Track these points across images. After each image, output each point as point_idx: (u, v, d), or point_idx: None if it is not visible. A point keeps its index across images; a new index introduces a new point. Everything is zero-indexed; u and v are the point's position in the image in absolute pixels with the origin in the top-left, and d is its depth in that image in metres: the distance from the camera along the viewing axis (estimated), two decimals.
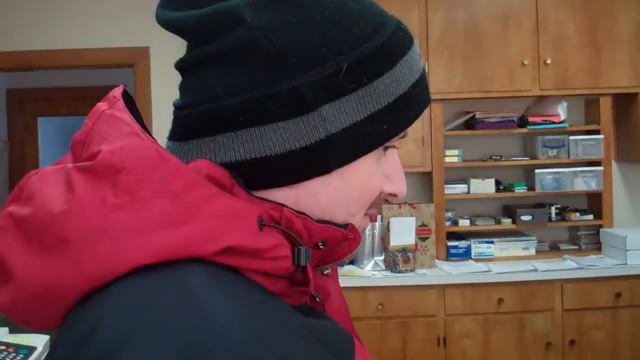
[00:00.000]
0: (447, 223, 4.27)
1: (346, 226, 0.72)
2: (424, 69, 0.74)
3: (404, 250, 3.94)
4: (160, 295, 0.57)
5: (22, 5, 4.46)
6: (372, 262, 4.06)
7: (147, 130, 0.70)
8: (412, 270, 3.95)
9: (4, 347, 2.23)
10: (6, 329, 2.47)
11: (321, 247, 0.71)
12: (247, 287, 0.62)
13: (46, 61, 4.50)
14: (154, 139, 0.67)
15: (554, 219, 4.31)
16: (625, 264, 3.96)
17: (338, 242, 0.72)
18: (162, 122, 3.79)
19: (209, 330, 0.54)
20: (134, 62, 4.49)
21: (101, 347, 0.55)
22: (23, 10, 4.46)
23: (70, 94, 7.01)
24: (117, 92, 0.72)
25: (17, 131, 7.09)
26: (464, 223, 4.30)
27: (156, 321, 0.55)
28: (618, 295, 3.90)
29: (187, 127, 0.70)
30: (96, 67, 4.78)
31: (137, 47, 4.47)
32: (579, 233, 4.38)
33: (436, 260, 4.13)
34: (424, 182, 4.39)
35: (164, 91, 4.35)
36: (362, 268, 3.99)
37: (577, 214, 4.33)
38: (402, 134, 0.72)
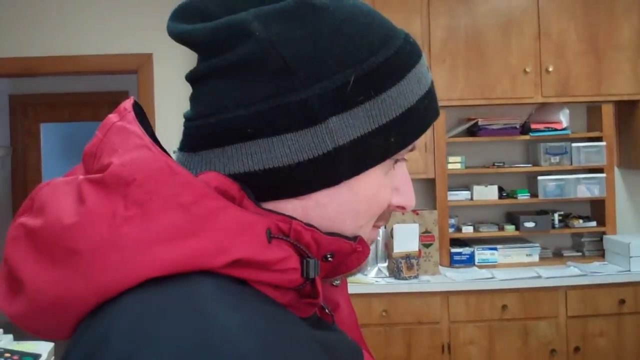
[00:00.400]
0: (451, 230, 4.26)
1: (355, 238, 0.72)
2: (432, 82, 0.75)
3: (407, 256, 3.94)
4: (169, 308, 0.58)
5: (25, 11, 4.47)
6: (376, 268, 4.06)
7: (157, 141, 0.70)
8: (415, 277, 3.95)
9: (8, 355, 2.23)
10: (10, 336, 2.47)
11: (330, 259, 0.71)
12: (256, 299, 0.63)
13: (49, 67, 4.52)
14: (165, 150, 0.68)
15: (557, 226, 4.31)
16: (629, 270, 3.96)
17: (347, 254, 0.72)
18: (165, 127, 3.80)
19: (219, 344, 0.54)
20: (137, 68, 4.50)
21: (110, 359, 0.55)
22: (26, 17, 4.47)
23: (73, 100, 7.03)
24: (128, 104, 0.73)
25: (19, 137, 7.11)
26: (468, 230, 4.30)
27: (165, 334, 0.55)
28: (622, 301, 3.89)
29: (197, 138, 0.71)
30: (99, 73, 4.80)
31: (141, 54, 4.48)
32: (582, 240, 4.37)
33: (440, 266, 4.13)
34: (427, 189, 4.39)
35: (167, 97, 4.36)
36: (366, 275, 3.99)
37: (580, 221, 4.32)
38: (410, 147, 0.73)
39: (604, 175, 4.26)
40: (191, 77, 0.73)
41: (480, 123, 4.24)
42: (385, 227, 4.03)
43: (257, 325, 0.58)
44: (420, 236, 4.03)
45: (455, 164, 4.26)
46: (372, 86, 0.68)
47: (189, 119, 0.72)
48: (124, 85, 6.59)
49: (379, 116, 0.69)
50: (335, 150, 0.67)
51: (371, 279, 3.96)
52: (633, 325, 3.90)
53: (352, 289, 3.72)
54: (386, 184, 0.73)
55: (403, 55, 0.71)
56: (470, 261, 4.22)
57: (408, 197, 0.76)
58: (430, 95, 0.73)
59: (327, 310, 0.78)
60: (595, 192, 4.26)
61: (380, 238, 4.09)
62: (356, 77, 0.67)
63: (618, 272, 3.97)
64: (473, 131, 4.33)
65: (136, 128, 0.68)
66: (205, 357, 0.53)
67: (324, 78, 0.67)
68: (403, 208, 0.77)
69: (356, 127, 0.68)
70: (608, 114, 4.31)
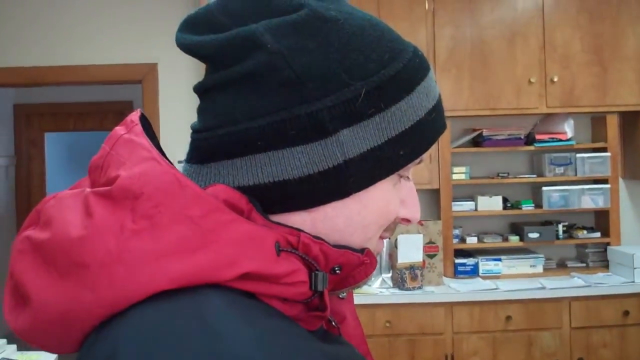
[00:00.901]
0: (455, 240, 4.26)
1: (362, 251, 0.72)
2: (439, 95, 0.75)
3: (411, 267, 3.93)
4: (178, 322, 0.57)
5: (30, 21, 4.48)
6: (380, 279, 4.05)
7: (164, 154, 0.70)
8: (419, 288, 3.94)
9: None
10: (14, 347, 2.47)
11: (338, 271, 0.71)
12: (264, 313, 0.62)
13: (55, 77, 4.52)
14: (172, 163, 0.67)
15: (561, 237, 4.30)
16: (633, 281, 3.94)
17: (354, 266, 0.72)
18: (170, 138, 3.80)
19: (228, 358, 0.54)
20: (142, 78, 4.51)
21: None
22: (31, 27, 4.48)
23: (77, 109, 7.04)
24: (135, 116, 0.72)
25: (24, 146, 7.11)
26: (472, 240, 4.29)
27: (174, 349, 0.55)
28: (626, 313, 3.88)
29: (206, 150, 0.70)
30: (104, 83, 4.80)
31: (146, 64, 4.49)
32: (586, 250, 4.36)
33: (444, 277, 4.12)
34: (432, 199, 4.38)
35: (172, 107, 4.36)
36: (370, 285, 3.98)
37: (585, 232, 4.31)
38: (418, 160, 0.73)
39: (608, 186, 4.25)
40: (199, 89, 0.73)
41: (484, 133, 4.24)
42: (389, 238, 4.02)
43: (268, 340, 0.58)
44: (424, 247, 4.02)
45: (459, 174, 4.26)
46: (383, 99, 0.68)
47: (196, 131, 0.72)
48: (128, 95, 6.60)
49: (389, 129, 0.68)
50: (346, 163, 0.67)
51: (375, 289, 3.95)
52: (637, 337, 3.88)
53: (356, 299, 3.69)
54: (394, 196, 0.73)
55: (412, 69, 0.71)
56: (474, 272, 4.20)
57: (414, 209, 0.76)
58: (438, 109, 0.73)
59: (333, 323, 0.77)
60: (600, 202, 4.25)
61: (384, 249, 4.07)
62: (367, 90, 0.67)
63: (622, 283, 3.96)
64: (478, 141, 4.33)
65: (144, 140, 0.68)
66: None
67: (335, 90, 0.67)
68: (408, 221, 0.77)
69: (366, 140, 0.68)
70: (613, 125, 4.30)
